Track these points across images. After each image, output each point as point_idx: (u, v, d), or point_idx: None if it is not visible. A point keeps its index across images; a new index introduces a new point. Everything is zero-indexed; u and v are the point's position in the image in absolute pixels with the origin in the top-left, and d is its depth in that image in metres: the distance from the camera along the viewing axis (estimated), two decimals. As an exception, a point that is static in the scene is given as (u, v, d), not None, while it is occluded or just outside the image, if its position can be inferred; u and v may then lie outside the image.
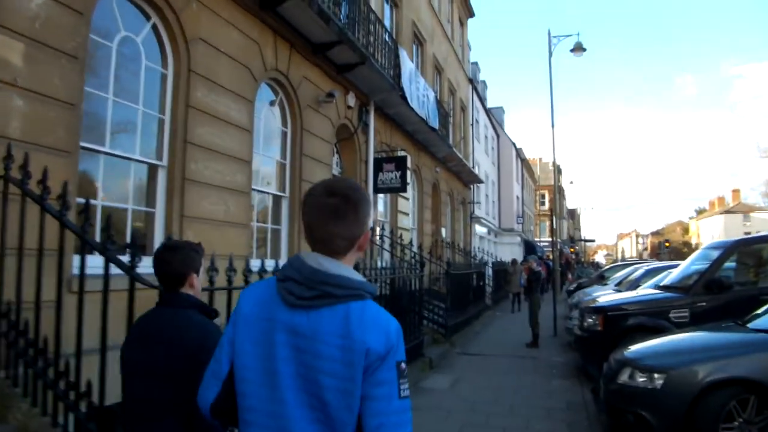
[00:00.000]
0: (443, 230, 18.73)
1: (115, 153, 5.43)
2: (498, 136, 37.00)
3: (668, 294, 7.76)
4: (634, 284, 12.14)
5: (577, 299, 13.73)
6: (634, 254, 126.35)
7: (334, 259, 1.40)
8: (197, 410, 1.54)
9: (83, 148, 4.84)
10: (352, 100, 10.43)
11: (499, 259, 23.34)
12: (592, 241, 54.74)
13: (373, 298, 1.43)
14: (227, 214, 6.75)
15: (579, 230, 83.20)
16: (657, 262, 16.00)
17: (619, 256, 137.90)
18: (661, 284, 8.45)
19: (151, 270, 2.20)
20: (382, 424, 1.31)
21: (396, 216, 13.29)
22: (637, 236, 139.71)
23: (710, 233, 75.84)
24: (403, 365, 1.37)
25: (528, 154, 52.39)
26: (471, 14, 25.06)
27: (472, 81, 25.59)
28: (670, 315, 7.32)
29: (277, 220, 8.43)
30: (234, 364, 1.44)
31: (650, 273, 12.59)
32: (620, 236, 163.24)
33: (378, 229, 10.48)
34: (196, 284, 2.19)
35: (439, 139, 15.57)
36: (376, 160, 11.46)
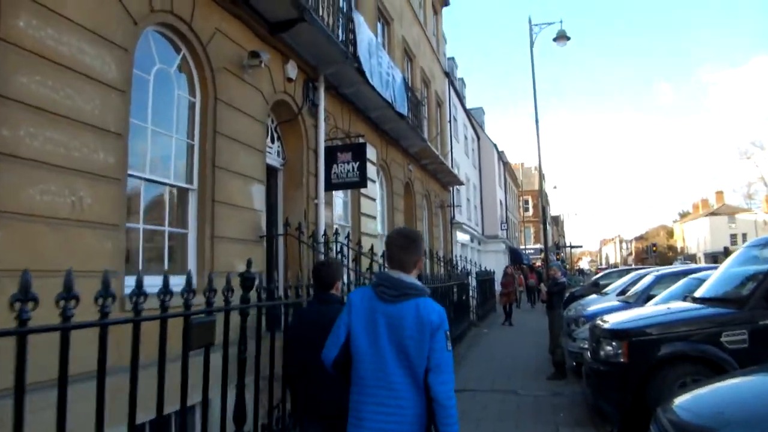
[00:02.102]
0: (419, 236, 16.58)
1: None
2: (479, 137, 35.10)
3: (714, 310, 5.66)
4: (645, 294, 10.09)
5: (575, 312, 11.65)
6: (619, 260, 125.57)
7: (405, 273, 2.67)
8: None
9: None
10: (293, 70, 8.26)
11: (483, 268, 21.23)
12: (579, 247, 53.14)
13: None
14: (77, 209, 4.52)
15: (563, 237, 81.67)
16: (666, 268, 13.98)
17: (603, 262, 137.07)
18: (697, 296, 6.35)
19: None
20: (436, 359, 2.49)
21: (358, 219, 11.10)
22: (621, 241, 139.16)
23: (696, 236, 74.84)
24: (448, 333, 2.59)
25: (510, 160, 50.64)
26: (445, 2, 23.12)
27: (448, 75, 23.63)
28: (722, 339, 5.23)
29: (180, 220, 6.20)
30: (350, 335, 2.66)
31: (661, 281, 10.55)
32: (604, 242, 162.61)
33: (323, 235, 8.29)
34: (339, 287, 3.65)
35: (411, 131, 13.45)
36: (328, 148, 9.29)
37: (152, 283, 4.40)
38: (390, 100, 11.06)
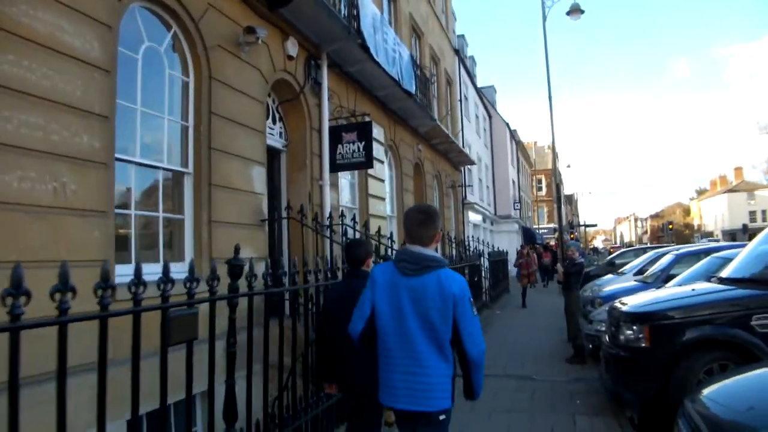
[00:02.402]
0: (430, 218, 16.25)
1: None
2: (490, 116, 34.49)
3: (744, 291, 5.30)
4: (664, 275, 9.71)
5: (591, 293, 11.30)
6: (634, 238, 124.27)
7: (424, 248, 2.79)
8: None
9: None
10: (293, 48, 7.90)
11: (496, 249, 20.88)
12: (594, 225, 52.35)
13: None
14: (60, 196, 4.26)
15: (577, 216, 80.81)
16: (686, 247, 13.55)
17: (618, 240, 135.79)
18: (724, 276, 5.98)
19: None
20: (466, 327, 2.67)
21: (366, 201, 10.79)
22: (636, 220, 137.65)
23: (713, 213, 73.64)
24: (471, 300, 2.76)
25: (522, 139, 49.89)
26: (454, -23, 22.48)
27: (458, 52, 23.06)
28: (753, 323, 4.88)
29: (176, 206, 5.94)
30: (375, 309, 2.79)
31: (682, 260, 10.15)
32: (618, 221, 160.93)
33: (329, 218, 7.99)
34: (370, 264, 3.79)
35: (419, 109, 13.05)
36: (332, 128, 8.96)
37: (147, 271, 4.29)
38: (397, 78, 10.67)
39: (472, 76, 28.25)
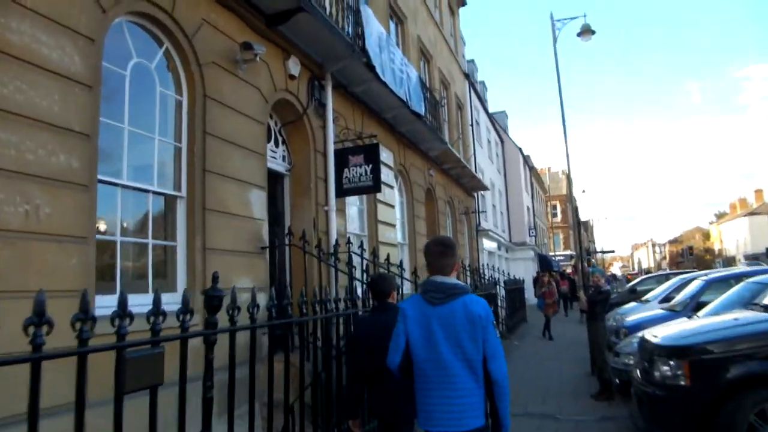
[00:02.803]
0: (443, 245, 15.73)
1: None
2: (502, 141, 34.13)
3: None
4: (693, 302, 9.08)
5: (615, 322, 10.67)
6: (652, 264, 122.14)
7: (447, 277, 2.93)
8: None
9: None
10: (295, 67, 7.57)
11: (512, 277, 20.25)
12: (612, 252, 51.30)
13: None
14: (32, 219, 3.87)
15: (593, 242, 79.61)
16: (716, 272, 12.85)
17: (635, 267, 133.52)
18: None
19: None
20: (493, 350, 2.80)
21: (375, 228, 10.34)
22: (654, 245, 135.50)
23: (734, 237, 72.14)
24: (494, 322, 2.92)
25: (535, 165, 49.39)
26: (463, 2, 22.38)
27: (468, 76, 22.82)
28: (809, 356, 4.30)
29: (168, 232, 5.53)
30: (409, 340, 2.92)
31: (712, 286, 9.52)
32: (635, 246, 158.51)
33: (335, 246, 7.54)
34: (395, 297, 3.97)
35: (430, 132, 12.68)
36: (338, 151, 8.58)
37: (135, 302, 3.85)
38: (405, 99, 10.32)
39: (483, 101, 27.99)
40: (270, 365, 3.85)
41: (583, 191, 63.98)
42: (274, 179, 7.81)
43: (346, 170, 8.53)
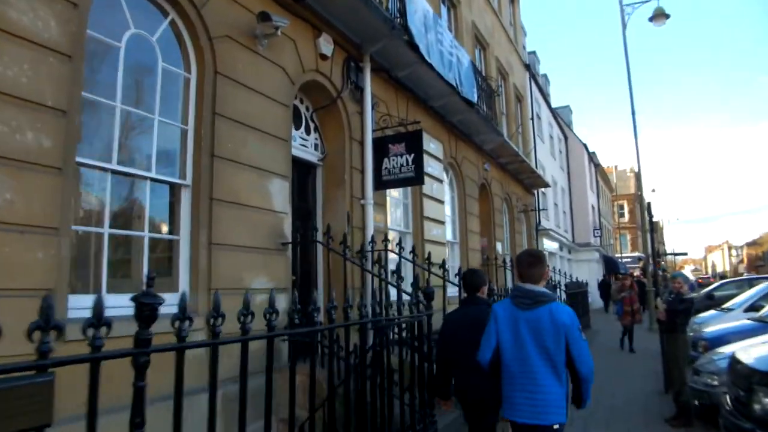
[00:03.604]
0: (499, 245, 14.70)
1: None
2: (566, 137, 32.45)
3: None
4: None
5: (692, 332, 9.37)
6: (727, 268, 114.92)
7: (536, 285, 3.26)
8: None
9: None
10: (327, 46, 6.86)
11: (574, 279, 18.89)
12: (684, 254, 47.91)
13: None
14: (-14, 208, 3.30)
15: (663, 244, 75.46)
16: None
17: (709, 270, 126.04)
18: None
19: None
20: (575, 350, 3.06)
21: (421, 224, 9.49)
22: (730, 248, 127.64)
23: (823, 240, 66.54)
24: (579, 327, 3.18)
25: (601, 162, 47.01)
26: (523, -11, 21.15)
27: (529, 67, 21.56)
28: None
29: (171, 225, 4.92)
30: (499, 339, 3.25)
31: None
32: (708, 249, 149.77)
33: (371, 243, 6.77)
34: (485, 291, 4.14)
35: (484, 123, 11.70)
36: (376, 140, 7.80)
37: (120, 303, 3.25)
38: (454, 84, 9.42)
39: (545, 94, 26.56)
40: (292, 377, 3.16)
41: (653, 190, 60.61)
42: (304, 169, 7.13)
43: (385, 160, 7.75)
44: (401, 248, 6.66)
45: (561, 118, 31.99)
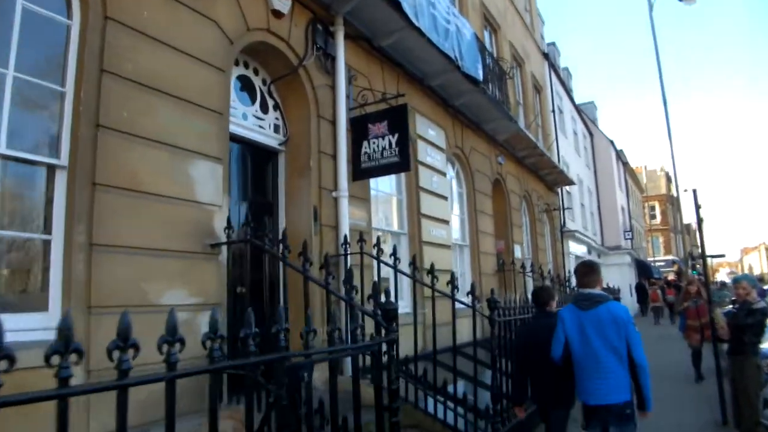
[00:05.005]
0: (518, 248, 13.13)
1: None
2: (591, 134, 30.63)
3: None
4: None
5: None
6: (765, 270, 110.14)
7: (593, 289, 4.01)
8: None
9: None
10: (282, 2, 5.52)
11: (606, 285, 17.13)
12: (722, 255, 45.07)
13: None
14: None
15: (696, 246, 72.16)
16: None
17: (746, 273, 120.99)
18: None
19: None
20: (634, 342, 3.73)
21: (418, 224, 8.04)
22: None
23: None
24: (633, 321, 3.87)
25: (629, 162, 44.75)
26: (539, -28, 19.62)
27: (547, 57, 19.98)
28: None
29: (44, 219, 3.58)
30: (567, 338, 3.94)
31: None
32: (745, 251, 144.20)
33: (344, 244, 5.37)
34: (553, 306, 4.67)
35: (494, 107, 10.22)
36: (354, 120, 6.42)
37: None
38: (452, 56, 7.98)
39: (567, 88, 24.88)
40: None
41: (686, 190, 57.80)
42: (262, 156, 5.81)
43: (365, 144, 6.35)
44: (379, 249, 5.24)
45: (586, 114, 30.21)
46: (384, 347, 3.17)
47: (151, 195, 3.98)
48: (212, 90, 4.65)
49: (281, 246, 4.12)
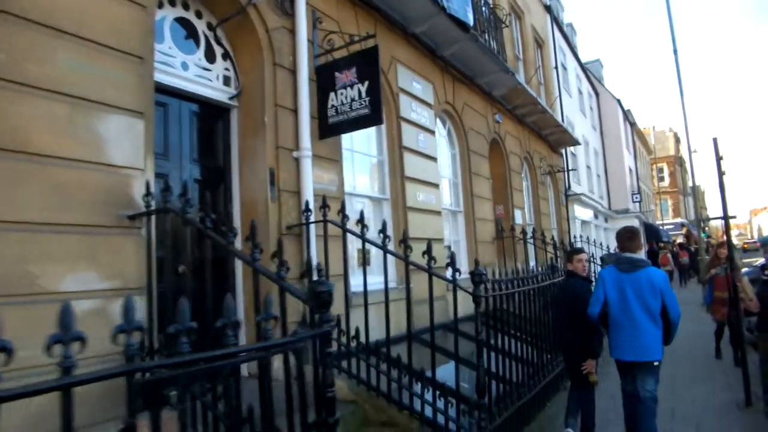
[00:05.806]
0: (518, 214, 12.30)
1: None
2: (597, 93, 29.40)
3: None
4: None
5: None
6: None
7: (634, 254, 4.48)
8: (586, 318, 4.59)
9: None
10: None
11: (613, 250, 16.33)
12: (733, 217, 43.91)
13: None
14: None
15: (705, 209, 70.90)
16: None
17: (755, 235, 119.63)
18: None
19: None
20: (670, 302, 4.21)
21: (402, 188, 7.22)
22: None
23: None
24: (668, 283, 4.37)
25: (636, 123, 43.39)
26: None
27: (550, 9, 18.79)
28: None
29: None
30: (606, 296, 4.41)
31: None
32: (754, 212, 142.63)
33: (305, 212, 4.61)
34: (580, 269, 5.17)
35: (489, 57, 9.28)
36: (319, 68, 5.57)
37: None
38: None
39: (571, 44, 23.64)
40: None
41: (695, 151, 56.42)
42: (211, 112, 5.01)
43: (332, 96, 5.51)
44: (346, 216, 4.46)
45: (591, 73, 28.95)
46: (316, 343, 2.39)
47: (46, 157, 3.20)
48: (128, 30, 3.81)
49: (210, 219, 3.29)
